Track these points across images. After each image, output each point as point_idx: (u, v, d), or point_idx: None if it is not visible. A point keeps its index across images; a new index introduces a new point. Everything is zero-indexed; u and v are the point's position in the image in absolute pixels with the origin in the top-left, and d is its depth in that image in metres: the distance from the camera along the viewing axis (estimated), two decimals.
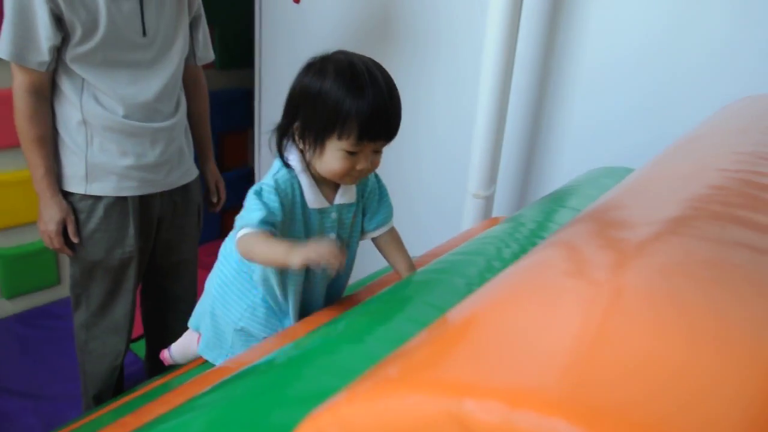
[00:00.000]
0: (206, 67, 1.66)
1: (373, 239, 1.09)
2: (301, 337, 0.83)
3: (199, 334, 1.14)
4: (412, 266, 1.07)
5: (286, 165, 0.95)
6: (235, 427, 0.64)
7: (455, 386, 0.29)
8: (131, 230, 1.46)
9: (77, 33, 1.28)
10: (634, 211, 0.61)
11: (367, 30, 2.08)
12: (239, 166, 3.05)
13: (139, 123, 1.40)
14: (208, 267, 1.12)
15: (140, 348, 1.94)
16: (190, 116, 1.61)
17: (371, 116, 0.87)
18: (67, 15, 1.25)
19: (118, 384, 1.62)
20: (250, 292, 1.03)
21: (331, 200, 0.99)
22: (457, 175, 1.83)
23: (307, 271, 1.02)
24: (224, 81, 2.82)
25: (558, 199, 1.30)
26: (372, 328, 0.80)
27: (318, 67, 0.91)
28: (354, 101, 0.87)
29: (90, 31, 1.29)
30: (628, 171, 1.28)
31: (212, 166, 1.75)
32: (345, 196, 1.00)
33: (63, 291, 2.35)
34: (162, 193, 1.52)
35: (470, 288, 0.88)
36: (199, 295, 1.18)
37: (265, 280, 0.99)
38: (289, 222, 0.95)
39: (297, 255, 0.82)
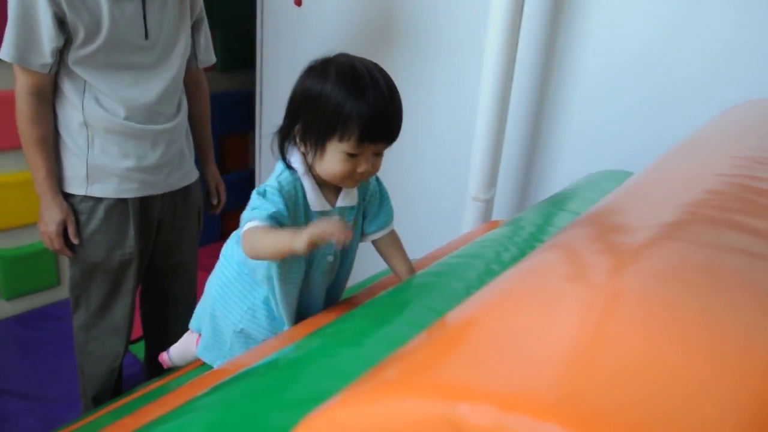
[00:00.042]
0: (207, 69, 1.66)
1: (373, 242, 1.09)
2: (299, 340, 0.83)
3: (199, 336, 1.15)
4: (411, 269, 1.07)
5: (289, 167, 0.95)
6: (234, 429, 0.64)
7: (450, 390, 0.29)
8: (131, 232, 1.46)
9: (80, 35, 1.28)
10: (632, 215, 0.61)
11: (368, 32, 2.08)
12: (240, 168, 3.05)
13: (140, 125, 1.41)
14: (208, 269, 1.13)
15: (139, 350, 1.94)
16: (191, 118, 1.61)
17: (372, 118, 0.88)
18: (70, 17, 1.26)
19: (116, 385, 1.62)
20: (250, 294, 1.03)
21: (333, 203, 1.00)
22: (457, 178, 1.83)
23: (307, 272, 1.02)
24: (225, 83, 2.82)
25: (558, 202, 1.31)
26: (371, 331, 0.80)
27: (319, 69, 0.92)
28: (355, 103, 0.87)
29: (93, 33, 1.29)
30: (628, 174, 1.28)
31: (213, 169, 1.75)
32: (346, 199, 1.00)
33: (62, 292, 2.35)
34: (162, 195, 1.52)
35: (469, 291, 0.89)
36: (199, 297, 1.18)
37: (269, 279, 0.99)
38: (292, 225, 0.95)
39: (301, 237, 0.80)
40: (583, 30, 1.58)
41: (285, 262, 0.97)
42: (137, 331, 1.74)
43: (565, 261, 0.51)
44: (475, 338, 0.37)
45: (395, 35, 2.00)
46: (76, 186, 1.41)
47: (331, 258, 1.04)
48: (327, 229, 0.79)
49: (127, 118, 1.39)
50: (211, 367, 1.09)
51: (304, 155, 0.95)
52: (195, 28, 1.54)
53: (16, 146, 1.46)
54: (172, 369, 1.27)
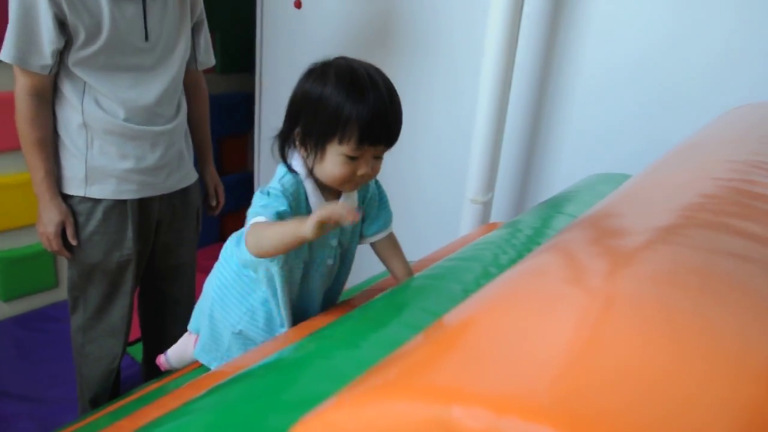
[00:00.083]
0: (207, 71, 1.67)
1: (372, 244, 1.09)
2: (297, 342, 0.83)
3: (197, 337, 1.15)
4: (409, 271, 1.08)
5: (291, 171, 0.95)
6: (231, 431, 0.64)
7: (443, 392, 0.29)
8: (130, 233, 1.47)
9: (80, 37, 1.28)
10: (628, 218, 0.61)
11: (367, 35, 2.09)
12: (239, 170, 3.05)
13: (139, 126, 1.41)
14: (207, 270, 1.13)
15: (137, 351, 1.94)
16: (191, 120, 1.61)
17: (372, 120, 0.88)
18: (71, 19, 1.26)
19: (114, 387, 1.62)
20: (249, 295, 1.03)
21: None
22: (456, 181, 1.83)
23: (305, 275, 1.02)
24: (225, 85, 2.82)
25: (555, 205, 1.31)
26: (368, 334, 0.80)
27: (319, 72, 0.92)
28: (355, 105, 0.87)
29: (93, 35, 1.29)
30: (626, 177, 1.28)
31: (212, 170, 1.75)
32: (347, 202, 1.00)
33: (61, 294, 2.35)
34: (161, 197, 1.52)
35: (466, 294, 0.89)
36: (197, 299, 1.18)
37: (269, 280, 0.99)
38: None
39: (309, 221, 0.79)
40: (582, 33, 1.59)
41: (287, 262, 0.97)
42: (135, 332, 1.74)
43: (561, 264, 0.51)
44: (471, 340, 0.37)
45: (394, 37, 2.00)
46: (74, 187, 1.41)
47: (330, 261, 1.04)
48: (336, 210, 0.78)
49: (126, 120, 1.39)
50: (208, 369, 1.09)
51: (305, 159, 0.95)
52: (195, 30, 1.55)
53: (14, 147, 1.46)
54: (169, 371, 1.27)
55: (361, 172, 0.92)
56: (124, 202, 1.45)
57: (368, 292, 1.16)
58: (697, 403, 0.30)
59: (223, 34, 2.69)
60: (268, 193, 0.93)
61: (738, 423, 0.30)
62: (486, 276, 0.96)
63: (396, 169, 1.94)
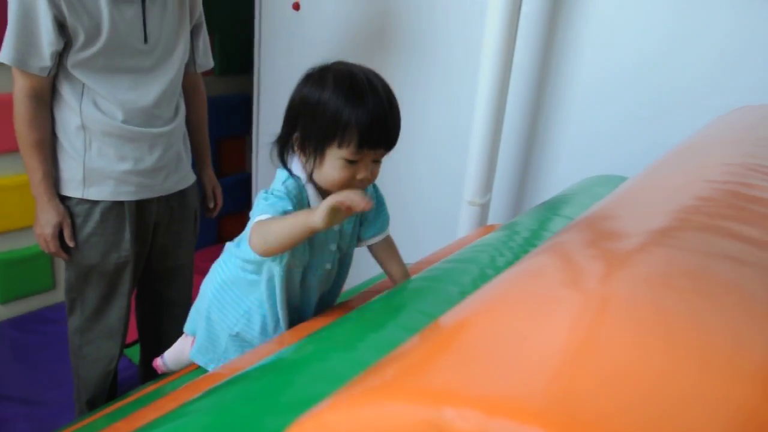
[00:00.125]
0: (205, 73, 1.67)
1: (369, 246, 1.09)
2: (294, 344, 0.83)
3: (193, 339, 1.15)
4: (406, 274, 1.08)
5: (292, 175, 0.95)
6: None
7: (436, 394, 0.29)
8: (127, 235, 1.47)
9: (80, 39, 1.28)
10: (623, 221, 0.62)
11: (365, 37, 2.09)
12: (237, 171, 3.05)
13: (137, 128, 1.41)
14: (204, 272, 1.13)
15: (134, 353, 1.94)
16: (189, 122, 1.61)
17: (371, 124, 0.88)
18: (70, 21, 1.26)
19: (111, 389, 1.62)
20: (247, 297, 1.03)
21: None
22: (453, 183, 1.84)
23: (303, 278, 1.02)
24: (223, 87, 2.83)
25: (553, 207, 1.31)
26: (364, 336, 0.80)
27: (317, 77, 0.92)
28: (354, 109, 0.87)
29: (92, 37, 1.29)
30: (623, 179, 1.29)
31: (210, 172, 1.75)
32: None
33: (58, 296, 2.34)
34: (159, 198, 1.52)
35: (463, 296, 0.89)
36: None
37: (269, 280, 0.99)
38: None
39: (319, 209, 0.78)
40: (581, 34, 1.59)
41: (289, 262, 0.96)
42: (132, 334, 1.74)
43: (556, 266, 0.51)
44: (466, 342, 0.37)
45: (392, 39, 2.00)
46: (72, 188, 1.41)
47: (329, 266, 1.04)
48: (349, 195, 0.78)
49: (124, 122, 1.39)
50: (205, 371, 1.09)
51: (304, 164, 0.95)
52: (194, 33, 1.55)
53: (12, 149, 1.46)
54: (167, 373, 1.27)
55: (360, 176, 0.92)
56: (121, 203, 1.45)
57: (365, 294, 1.16)
58: (691, 405, 0.30)
59: (221, 35, 2.70)
60: (272, 195, 0.92)
61: (732, 425, 0.30)
62: (483, 278, 0.96)
63: (394, 170, 1.94)
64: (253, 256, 0.94)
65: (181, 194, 1.58)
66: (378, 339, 0.78)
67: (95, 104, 1.37)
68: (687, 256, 0.48)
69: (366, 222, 1.07)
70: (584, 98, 1.63)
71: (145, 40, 1.37)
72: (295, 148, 0.94)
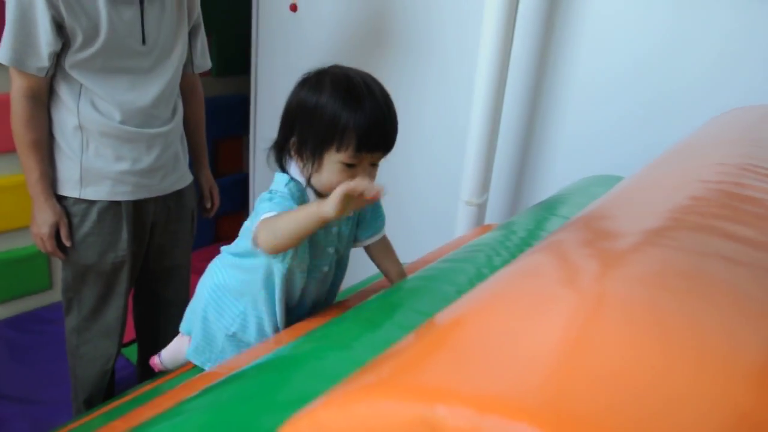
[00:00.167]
0: (203, 74, 1.67)
1: (365, 247, 1.09)
2: (290, 343, 0.83)
3: (190, 338, 1.15)
4: (402, 273, 1.08)
5: (292, 179, 0.95)
6: (224, 430, 0.64)
7: (429, 392, 0.30)
8: (124, 234, 1.47)
9: (78, 40, 1.28)
10: (618, 221, 0.62)
11: (362, 37, 2.09)
12: (234, 172, 3.05)
13: (135, 128, 1.41)
14: (201, 272, 1.13)
15: (132, 353, 1.94)
16: (187, 123, 1.61)
17: (369, 127, 0.88)
18: (69, 22, 1.26)
19: (109, 388, 1.62)
20: (243, 298, 1.03)
21: None
22: (450, 182, 1.84)
23: (302, 279, 1.02)
24: (220, 87, 2.82)
25: (549, 207, 1.31)
26: (361, 335, 0.80)
27: (314, 81, 0.92)
28: (352, 113, 0.87)
29: (90, 38, 1.29)
30: (619, 179, 1.29)
31: (207, 172, 1.75)
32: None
33: (55, 295, 2.34)
34: (156, 198, 1.52)
35: (460, 295, 0.88)
36: None
37: (267, 278, 0.98)
38: None
39: (331, 199, 0.78)
40: (578, 34, 1.59)
41: (291, 262, 0.96)
42: (130, 334, 1.74)
43: (550, 265, 0.51)
44: (460, 340, 0.38)
45: (389, 40, 2.00)
46: (69, 188, 1.41)
47: (326, 268, 1.04)
48: (360, 182, 0.77)
49: (122, 122, 1.39)
50: (202, 370, 1.09)
51: (301, 169, 0.94)
52: (192, 34, 1.55)
53: (9, 149, 1.46)
54: (164, 372, 1.27)
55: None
56: (118, 203, 1.45)
57: (361, 293, 1.16)
58: (686, 404, 0.30)
59: (219, 36, 2.70)
60: (277, 195, 0.92)
61: (726, 424, 0.30)
62: (479, 278, 0.96)
63: (391, 170, 1.93)
64: (249, 248, 0.93)
65: (179, 194, 1.58)
66: (374, 338, 0.78)
67: (93, 104, 1.37)
68: (681, 255, 0.48)
69: (363, 223, 1.07)
70: (581, 98, 1.63)
71: (144, 41, 1.37)
72: (293, 153, 0.94)
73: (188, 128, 1.63)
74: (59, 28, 1.27)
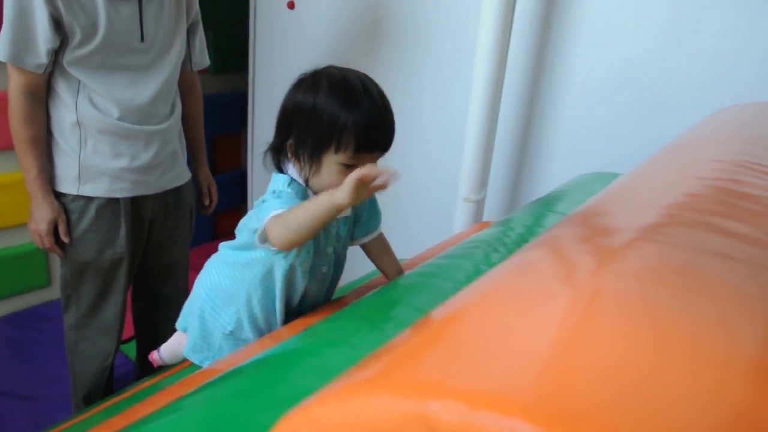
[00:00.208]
0: (201, 71, 1.67)
1: (362, 245, 1.09)
2: (287, 339, 0.84)
3: (188, 335, 1.15)
4: (399, 270, 1.08)
5: (293, 180, 0.95)
6: (222, 427, 0.65)
7: (422, 387, 0.30)
8: (122, 231, 1.47)
9: (76, 37, 1.28)
10: (614, 217, 0.62)
11: (359, 35, 2.09)
12: (232, 168, 3.05)
13: (133, 126, 1.41)
14: (200, 269, 1.13)
15: (130, 349, 1.94)
16: (185, 120, 1.61)
17: (368, 127, 0.88)
18: (67, 19, 1.26)
19: (108, 385, 1.62)
20: (241, 296, 1.03)
21: None
22: (448, 179, 1.84)
23: (302, 279, 1.02)
24: (218, 84, 2.82)
25: (547, 203, 1.32)
26: (358, 331, 0.80)
27: (310, 82, 0.91)
28: (350, 113, 0.87)
29: (89, 35, 1.29)
30: (616, 176, 1.29)
31: (205, 170, 1.75)
32: (344, 211, 1.00)
33: (53, 292, 2.34)
34: (154, 195, 1.52)
35: (457, 291, 0.89)
36: None
37: (266, 276, 0.98)
38: None
39: (344, 186, 0.77)
40: (575, 33, 1.59)
41: (294, 260, 0.96)
42: (128, 330, 1.74)
43: (547, 261, 0.51)
44: (455, 336, 0.38)
45: (387, 38, 2.00)
46: (67, 185, 1.41)
47: (325, 269, 1.04)
48: (373, 169, 0.77)
49: (120, 119, 1.39)
50: (200, 367, 1.09)
51: (299, 171, 0.94)
52: (190, 31, 1.55)
53: (7, 146, 1.46)
54: (162, 368, 1.27)
55: None
56: (117, 200, 1.45)
57: (359, 290, 1.16)
58: (681, 400, 0.30)
59: (216, 33, 2.69)
60: (284, 193, 0.92)
61: (722, 420, 0.30)
62: (477, 274, 0.96)
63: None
64: (249, 242, 0.93)
65: (177, 191, 1.58)
66: (371, 334, 0.79)
67: (91, 101, 1.36)
68: (677, 251, 0.48)
69: (359, 221, 1.07)
70: (578, 96, 1.63)
71: (142, 39, 1.37)
72: (290, 155, 0.94)
73: (186, 125, 1.63)
74: (57, 24, 1.26)
